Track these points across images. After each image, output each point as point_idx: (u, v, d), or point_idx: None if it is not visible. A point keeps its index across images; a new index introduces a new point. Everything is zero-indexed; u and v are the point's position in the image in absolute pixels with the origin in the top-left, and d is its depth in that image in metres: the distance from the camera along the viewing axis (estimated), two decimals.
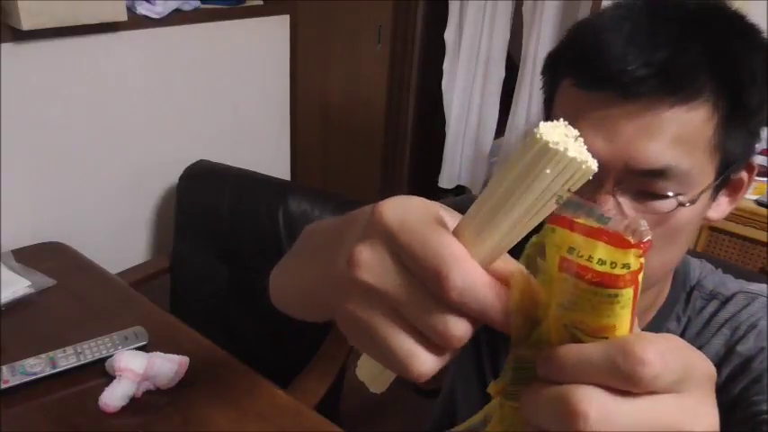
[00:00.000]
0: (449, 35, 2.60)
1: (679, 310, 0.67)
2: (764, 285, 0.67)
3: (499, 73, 2.55)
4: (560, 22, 2.31)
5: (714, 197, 0.59)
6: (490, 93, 2.59)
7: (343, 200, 1.47)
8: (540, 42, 2.33)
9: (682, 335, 0.66)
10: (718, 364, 0.63)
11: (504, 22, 2.46)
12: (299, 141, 2.39)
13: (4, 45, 1.43)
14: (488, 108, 2.61)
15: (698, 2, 0.54)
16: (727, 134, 0.54)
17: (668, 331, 0.67)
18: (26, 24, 1.38)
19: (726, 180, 0.58)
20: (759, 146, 0.61)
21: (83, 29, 1.54)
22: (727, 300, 0.65)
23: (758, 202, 1.58)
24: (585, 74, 0.54)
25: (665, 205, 0.54)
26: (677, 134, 0.52)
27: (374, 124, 2.97)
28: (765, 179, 1.60)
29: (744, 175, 0.60)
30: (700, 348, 0.62)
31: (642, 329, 0.73)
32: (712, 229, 1.64)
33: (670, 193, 0.53)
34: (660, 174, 0.53)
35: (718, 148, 0.54)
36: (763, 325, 0.62)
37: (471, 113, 2.66)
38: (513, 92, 2.51)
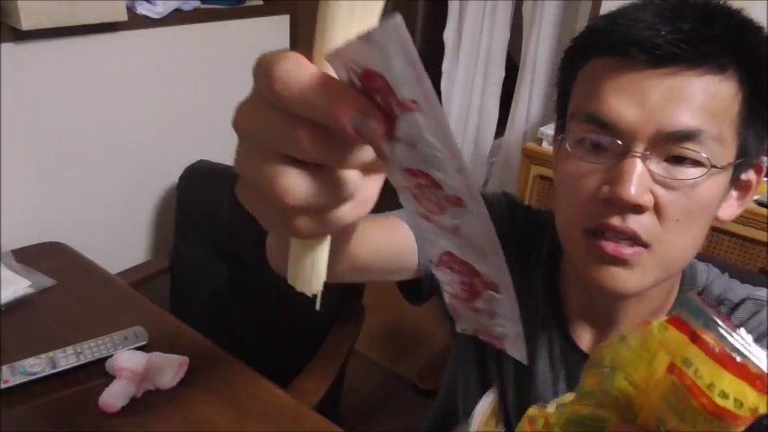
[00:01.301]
0: (448, 35, 2.60)
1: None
2: None
3: (499, 73, 2.55)
4: (560, 22, 2.31)
5: (729, 189, 0.60)
6: (490, 93, 2.59)
7: None
8: (540, 42, 2.33)
9: None
10: None
11: (503, 22, 2.46)
12: None
13: (4, 45, 1.43)
14: (488, 108, 2.61)
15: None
16: (748, 119, 0.55)
17: None
18: (26, 24, 1.38)
19: (744, 165, 0.59)
20: None
21: (83, 29, 1.54)
22: (735, 306, 0.65)
23: (758, 202, 1.58)
24: (616, 43, 0.55)
25: (695, 171, 0.55)
26: (706, 102, 0.53)
27: None
28: (766, 179, 1.60)
29: (752, 175, 0.62)
30: None
31: None
32: (712, 229, 1.64)
33: (704, 154, 0.54)
34: (692, 136, 0.53)
35: (739, 133, 0.56)
36: None
37: (471, 114, 2.66)
38: (512, 92, 2.51)
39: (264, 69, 0.26)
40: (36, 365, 1.01)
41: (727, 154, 0.56)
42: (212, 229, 1.60)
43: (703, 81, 0.53)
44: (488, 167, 2.73)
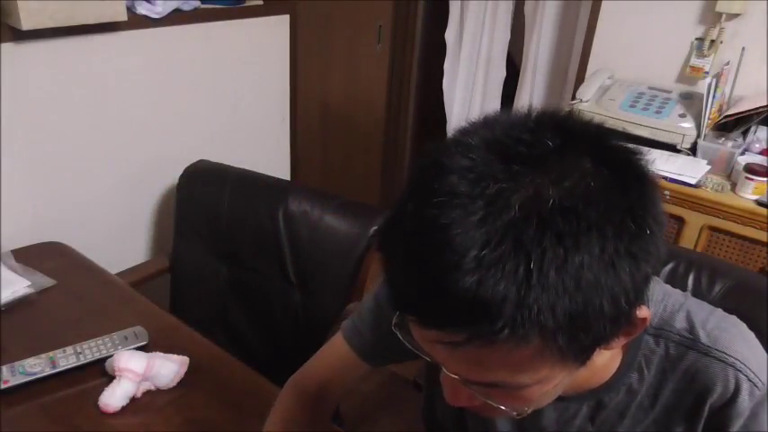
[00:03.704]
0: (449, 35, 2.60)
1: (642, 360, 0.62)
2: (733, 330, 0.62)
3: (500, 73, 2.55)
4: (561, 22, 2.31)
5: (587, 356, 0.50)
6: (491, 93, 2.59)
7: (343, 200, 1.47)
8: (541, 43, 2.33)
9: (657, 389, 0.63)
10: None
11: (504, 22, 2.46)
12: (298, 141, 2.39)
13: (4, 45, 1.43)
14: (489, 109, 2.61)
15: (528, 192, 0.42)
16: (569, 346, 0.44)
17: (630, 387, 0.63)
18: (26, 24, 1.38)
19: (606, 337, 0.48)
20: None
21: (83, 29, 1.54)
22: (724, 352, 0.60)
23: (758, 202, 1.58)
24: (401, 309, 0.49)
25: (520, 395, 0.51)
26: (502, 363, 0.46)
27: (374, 124, 2.97)
28: (765, 179, 1.60)
29: (642, 318, 0.51)
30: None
31: (599, 387, 0.66)
32: (712, 229, 1.64)
33: (521, 388, 0.50)
34: (495, 385, 0.50)
35: (562, 352, 0.45)
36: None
37: (472, 114, 2.66)
38: (513, 92, 2.51)
39: None
40: (36, 365, 1.01)
41: (554, 371, 0.49)
42: (212, 229, 1.60)
43: (496, 347, 0.43)
44: None
